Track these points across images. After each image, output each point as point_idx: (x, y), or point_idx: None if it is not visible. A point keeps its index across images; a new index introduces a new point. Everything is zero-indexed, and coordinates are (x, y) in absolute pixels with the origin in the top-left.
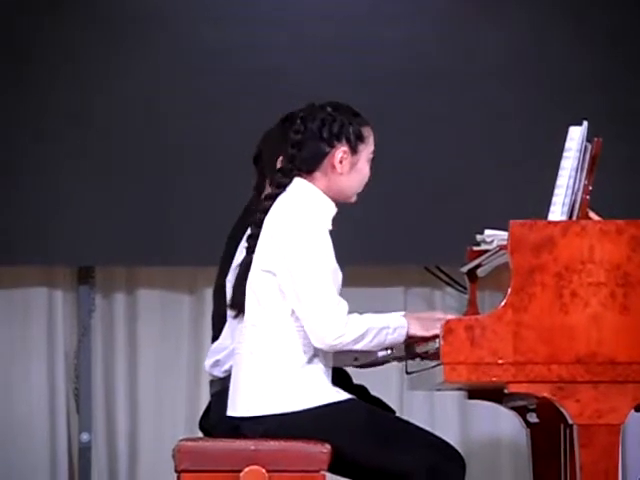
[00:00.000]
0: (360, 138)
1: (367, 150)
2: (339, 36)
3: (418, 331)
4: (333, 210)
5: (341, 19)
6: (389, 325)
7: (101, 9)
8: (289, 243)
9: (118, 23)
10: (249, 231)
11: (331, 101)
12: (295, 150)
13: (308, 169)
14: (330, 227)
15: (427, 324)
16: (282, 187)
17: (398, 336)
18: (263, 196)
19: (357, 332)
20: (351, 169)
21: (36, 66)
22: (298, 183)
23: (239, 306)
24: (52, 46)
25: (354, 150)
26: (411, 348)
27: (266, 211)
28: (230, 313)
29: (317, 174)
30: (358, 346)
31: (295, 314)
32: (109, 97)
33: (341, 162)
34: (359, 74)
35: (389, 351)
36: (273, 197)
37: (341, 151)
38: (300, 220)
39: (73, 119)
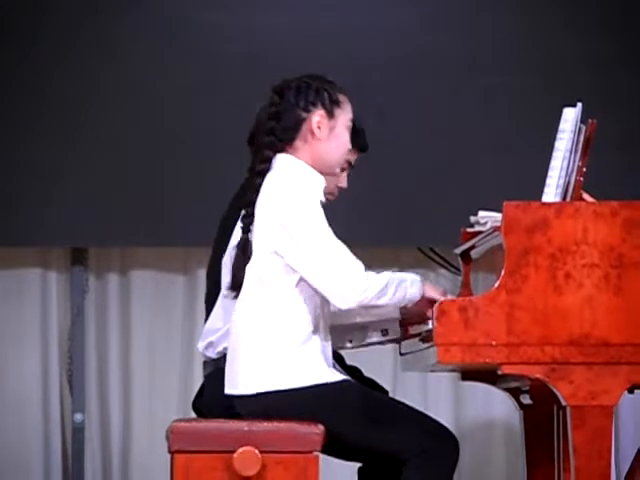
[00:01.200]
0: (336, 103)
1: (344, 116)
2: (333, 22)
3: (431, 291)
4: (322, 182)
5: (336, 5)
6: (406, 279)
7: None
8: (288, 219)
9: (111, 7)
10: (243, 211)
11: (305, 74)
12: (274, 122)
13: (289, 139)
14: (323, 199)
15: (438, 288)
16: (267, 161)
17: (415, 293)
18: (250, 172)
19: (379, 284)
20: (330, 134)
21: (29, 50)
22: (283, 159)
23: (239, 286)
24: (43, 30)
25: (330, 114)
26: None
27: (257, 189)
28: (229, 293)
29: (298, 143)
30: (382, 301)
31: (298, 290)
32: (102, 80)
33: (319, 127)
34: (354, 60)
35: (383, 334)
36: (261, 173)
37: (317, 115)
38: (293, 194)
39: (66, 102)
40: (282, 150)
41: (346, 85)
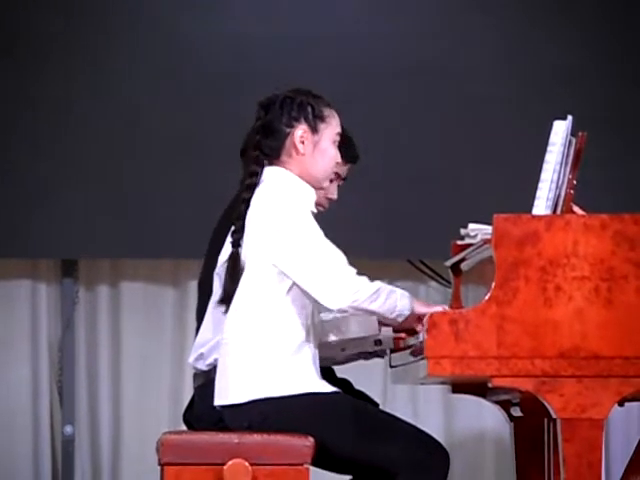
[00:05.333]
0: (320, 117)
1: (330, 131)
2: (324, 33)
3: (420, 307)
4: (313, 193)
5: (328, 14)
6: (397, 290)
7: (88, 3)
8: (280, 230)
9: (104, 18)
10: (233, 226)
11: (292, 88)
12: (259, 136)
13: (274, 154)
14: (314, 210)
15: (427, 304)
16: (254, 175)
17: (405, 305)
18: (240, 186)
19: (371, 289)
20: (314, 149)
21: (22, 60)
22: (273, 171)
23: (230, 301)
24: (40, 42)
25: (314, 129)
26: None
27: (246, 202)
28: (220, 307)
29: (284, 158)
30: (374, 305)
31: (289, 298)
32: (92, 91)
33: (302, 142)
34: (346, 69)
35: (376, 344)
36: (249, 187)
37: (300, 129)
38: (284, 204)
39: (56, 113)
40: (270, 163)
41: (336, 96)
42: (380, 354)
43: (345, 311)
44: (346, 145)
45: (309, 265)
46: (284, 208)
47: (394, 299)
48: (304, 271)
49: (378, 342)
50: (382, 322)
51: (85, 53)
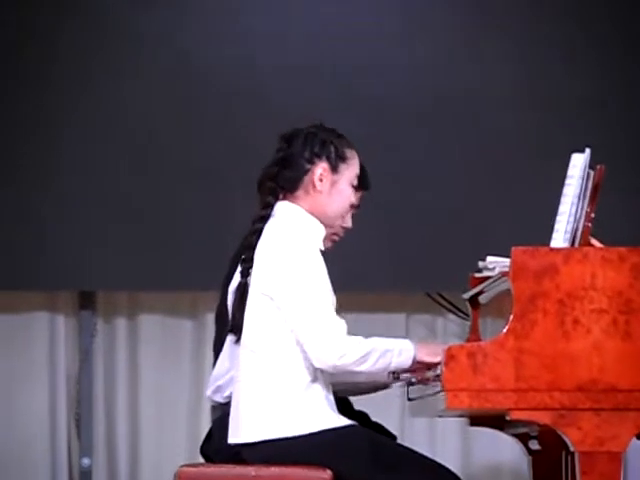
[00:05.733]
0: (342, 158)
1: (349, 172)
2: (341, 61)
3: (425, 356)
4: (322, 231)
5: (343, 43)
6: (394, 348)
7: (99, 21)
8: (283, 266)
9: (122, 38)
10: (242, 255)
11: (316, 123)
12: (278, 168)
13: (291, 187)
14: (322, 247)
15: (434, 350)
16: (269, 207)
17: (404, 359)
18: (252, 218)
19: (360, 352)
20: (332, 188)
21: (38, 81)
22: (284, 206)
23: (239, 329)
24: (50, 64)
25: (334, 169)
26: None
27: (257, 233)
28: (231, 338)
29: (299, 193)
30: (362, 368)
31: (294, 336)
32: (113, 119)
33: (321, 180)
34: (362, 100)
35: (394, 376)
36: (262, 219)
37: (321, 167)
38: (292, 242)
39: (74, 141)
40: (284, 197)
41: (352, 127)
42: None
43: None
44: (360, 174)
45: (300, 317)
46: (291, 247)
47: (389, 357)
48: (295, 321)
49: (395, 374)
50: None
51: (108, 79)
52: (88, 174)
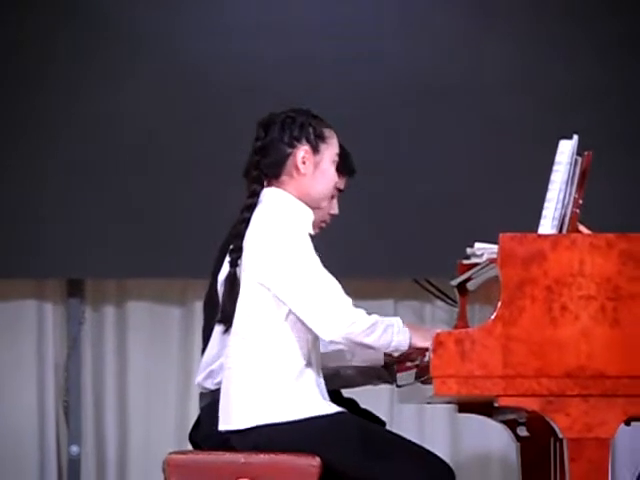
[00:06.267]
0: (321, 138)
1: (330, 151)
2: (332, 52)
3: (419, 341)
4: (310, 215)
5: (339, 35)
6: (394, 324)
7: (99, 21)
8: (276, 253)
9: (118, 36)
10: (231, 245)
11: (291, 108)
12: (259, 156)
13: (274, 174)
14: (312, 232)
15: (424, 334)
16: (255, 195)
17: (403, 339)
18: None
19: (367, 322)
20: (315, 170)
21: (31, 76)
22: (271, 192)
23: (229, 320)
24: (54, 59)
25: (315, 149)
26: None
27: (245, 222)
28: (220, 328)
29: (284, 178)
30: (369, 339)
31: (288, 324)
32: (100, 108)
33: (304, 162)
34: (358, 89)
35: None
36: (249, 207)
37: (302, 150)
38: (281, 228)
39: (63, 130)
40: (269, 184)
41: (347, 116)
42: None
43: (338, 343)
44: (343, 159)
45: (304, 293)
46: (280, 232)
47: (390, 334)
48: (298, 299)
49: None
50: (387, 354)
51: (98, 74)
52: (78, 164)
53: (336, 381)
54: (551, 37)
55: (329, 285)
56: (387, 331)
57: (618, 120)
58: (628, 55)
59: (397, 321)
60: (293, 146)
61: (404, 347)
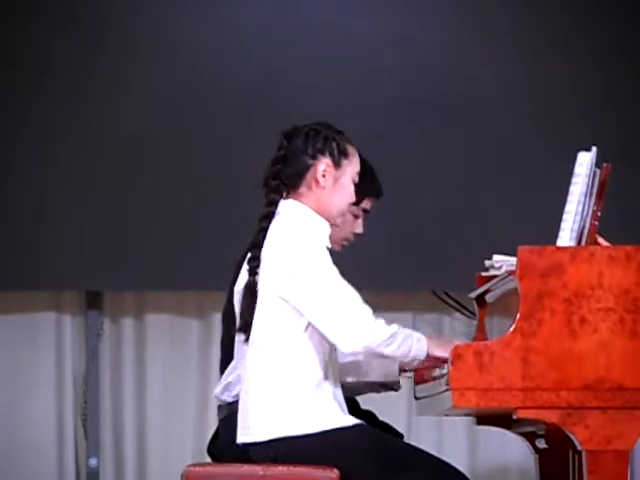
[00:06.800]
0: (344, 153)
1: (351, 168)
2: (348, 62)
3: (436, 350)
4: (327, 228)
5: (350, 46)
6: (413, 335)
7: (107, 28)
8: (294, 266)
9: (119, 46)
10: (249, 254)
11: (316, 120)
12: (280, 166)
13: (293, 184)
14: (329, 245)
15: (443, 344)
16: (273, 204)
17: (421, 349)
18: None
19: (387, 332)
20: (334, 184)
21: (40, 88)
22: (288, 204)
23: (248, 329)
24: (54, 68)
25: (337, 164)
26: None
27: (263, 231)
28: (239, 337)
29: (302, 190)
30: (388, 350)
31: (306, 335)
32: (117, 120)
33: (324, 176)
34: (362, 103)
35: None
36: (267, 217)
37: (324, 163)
38: (299, 241)
39: (79, 144)
40: (287, 195)
41: (357, 129)
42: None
43: (358, 353)
44: (372, 180)
45: (323, 304)
46: (299, 244)
47: (409, 343)
48: (318, 310)
49: (383, 385)
50: (402, 368)
51: (108, 82)
52: (96, 174)
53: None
54: (556, 44)
55: (348, 295)
56: (406, 341)
57: (631, 131)
58: (636, 64)
59: (416, 333)
60: (315, 158)
61: (422, 357)
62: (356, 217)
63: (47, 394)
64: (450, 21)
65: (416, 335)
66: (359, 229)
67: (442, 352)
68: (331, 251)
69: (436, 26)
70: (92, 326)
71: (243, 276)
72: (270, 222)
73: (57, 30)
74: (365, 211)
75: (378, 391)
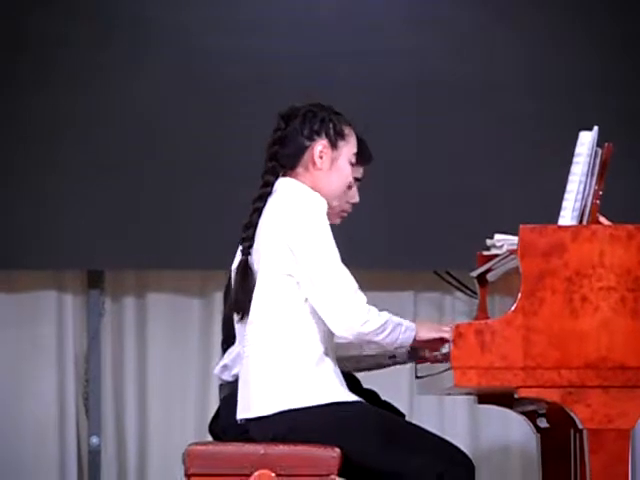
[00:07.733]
0: (340, 134)
1: (348, 149)
2: (345, 47)
3: (424, 333)
4: (325, 204)
5: (352, 28)
6: (402, 323)
7: (112, 14)
8: (297, 240)
9: (125, 32)
10: (243, 234)
11: (312, 102)
12: (277, 147)
13: (290, 165)
14: (327, 222)
15: (431, 326)
16: (268, 185)
17: (407, 338)
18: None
19: (379, 321)
20: (331, 165)
21: (44, 69)
22: (285, 181)
23: (243, 309)
24: (59, 49)
25: (334, 145)
26: (419, 351)
27: (258, 211)
28: (235, 317)
29: (299, 170)
30: (378, 338)
31: (307, 311)
32: (120, 99)
33: (321, 157)
34: (369, 85)
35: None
36: (262, 197)
37: (320, 144)
38: (299, 216)
39: (83, 122)
40: (283, 175)
41: (361, 111)
42: (398, 362)
43: (347, 338)
44: (360, 147)
45: (320, 289)
46: (299, 220)
47: (398, 332)
48: (315, 294)
49: (392, 357)
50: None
51: (116, 64)
52: (97, 154)
53: (347, 364)
54: (567, 28)
55: (344, 282)
56: (395, 330)
57: (635, 111)
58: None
59: (405, 321)
60: (312, 139)
61: (408, 344)
62: (349, 187)
63: (49, 373)
64: (459, 5)
65: (406, 324)
66: (355, 198)
67: (428, 334)
68: (332, 227)
69: (444, 9)
70: (93, 305)
71: (238, 256)
72: (264, 203)
73: (64, 18)
74: (357, 179)
75: (387, 365)
